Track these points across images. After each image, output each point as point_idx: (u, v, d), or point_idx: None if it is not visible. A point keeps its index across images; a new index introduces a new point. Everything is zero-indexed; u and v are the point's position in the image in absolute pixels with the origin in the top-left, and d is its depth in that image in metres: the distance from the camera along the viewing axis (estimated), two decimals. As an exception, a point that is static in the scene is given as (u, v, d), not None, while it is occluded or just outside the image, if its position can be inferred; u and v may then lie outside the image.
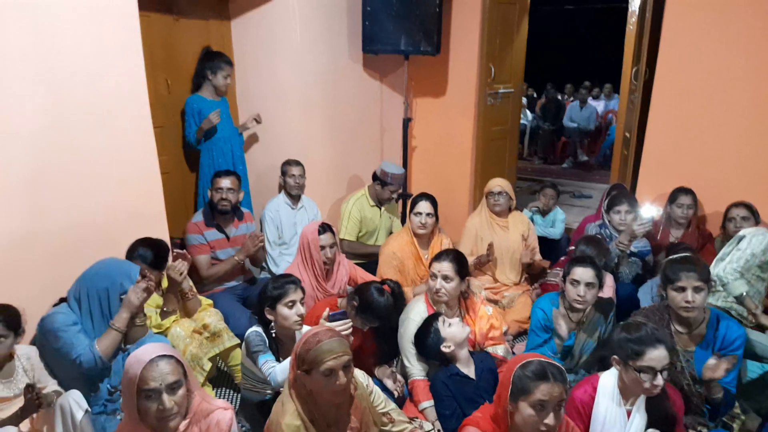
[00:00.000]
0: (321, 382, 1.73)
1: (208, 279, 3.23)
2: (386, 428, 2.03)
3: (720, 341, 2.34)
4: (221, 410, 1.74)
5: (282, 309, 2.26)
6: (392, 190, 3.86)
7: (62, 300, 2.36)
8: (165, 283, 2.60)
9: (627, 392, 1.97)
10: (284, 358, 2.21)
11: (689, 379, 2.33)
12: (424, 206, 3.34)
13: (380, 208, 3.97)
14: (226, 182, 3.25)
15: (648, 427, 1.94)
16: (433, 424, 2.27)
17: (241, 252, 3.23)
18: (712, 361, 2.20)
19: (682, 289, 2.30)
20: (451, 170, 4.83)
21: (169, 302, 2.62)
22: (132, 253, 2.56)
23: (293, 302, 2.26)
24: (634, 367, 1.89)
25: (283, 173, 3.76)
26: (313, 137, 4.08)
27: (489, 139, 4.88)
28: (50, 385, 2.24)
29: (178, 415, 1.62)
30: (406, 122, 4.55)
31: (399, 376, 2.52)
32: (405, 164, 4.59)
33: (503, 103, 4.96)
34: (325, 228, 3.00)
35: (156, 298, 2.64)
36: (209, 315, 2.72)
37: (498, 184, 3.63)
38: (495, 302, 3.47)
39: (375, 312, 2.46)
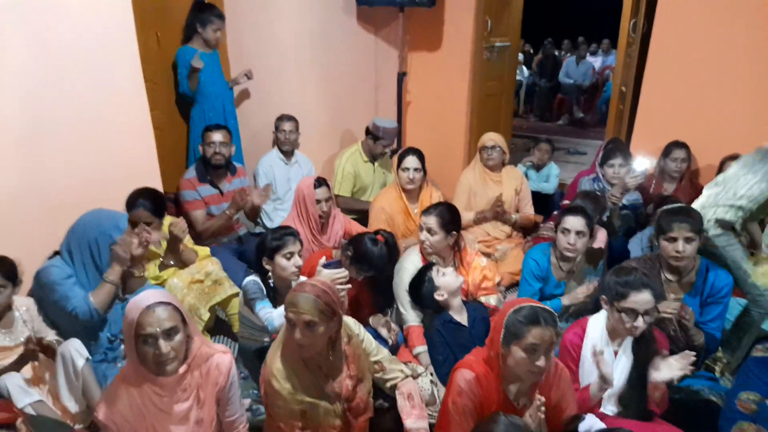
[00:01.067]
0: (288, 330, 1.76)
1: (203, 234, 3.24)
2: (378, 375, 2.08)
3: (708, 289, 2.39)
4: (220, 354, 1.78)
5: (280, 260, 2.29)
6: (385, 145, 3.84)
7: (57, 253, 2.38)
8: (165, 230, 2.61)
9: (614, 333, 2.03)
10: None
11: (676, 325, 2.38)
12: (411, 161, 3.34)
13: (374, 164, 3.96)
14: (217, 136, 3.22)
15: (634, 368, 2.00)
16: (426, 368, 2.33)
17: (231, 206, 3.23)
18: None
19: (674, 240, 2.34)
20: (446, 125, 4.80)
21: (169, 255, 2.65)
22: (132, 203, 2.56)
23: (291, 253, 2.30)
24: (617, 307, 1.95)
25: (276, 128, 3.72)
26: (306, 92, 4.03)
27: (485, 94, 4.83)
28: (50, 335, 2.27)
29: (175, 360, 1.65)
30: (401, 77, 4.49)
31: (393, 325, 2.57)
32: (399, 119, 4.56)
33: (500, 58, 4.89)
34: (320, 182, 3.01)
35: (154, 252, 2.66)
36: (211, 263, 2.76)
37: (491, 138, 3.62)
38: (488, 255, 3.50)
39: (369, 261, 2.49)
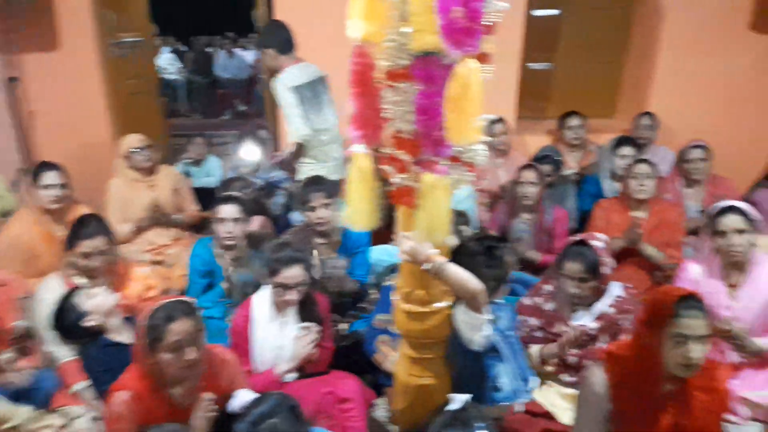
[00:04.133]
0: None
1: None
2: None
3: (351, 243, 2.73)
4: None
5: None
6: None
7: None
8: None
9: (280, 305, 2.14)
10: None
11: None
12: (50, 177, 2.86)
13: None
14: None
15: None
16: (90, 405, 2.05)
17: None
18: None
19: (314, 208, 2.59)
20: (86, 132, 4.23)
21: None
22: None
23: None
24: (273, 282, 2.07)
25: None
26: None
27: (127, 93, 4.48)
28: None
29: None
30: (11, 82, 3.78)
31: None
32: (21, 132, 3.86)
33: (136, 55, 4.57)
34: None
35: None
36: None
37: (137, 139, 3.38)
38: (160, 263, 3.30)
39: None
